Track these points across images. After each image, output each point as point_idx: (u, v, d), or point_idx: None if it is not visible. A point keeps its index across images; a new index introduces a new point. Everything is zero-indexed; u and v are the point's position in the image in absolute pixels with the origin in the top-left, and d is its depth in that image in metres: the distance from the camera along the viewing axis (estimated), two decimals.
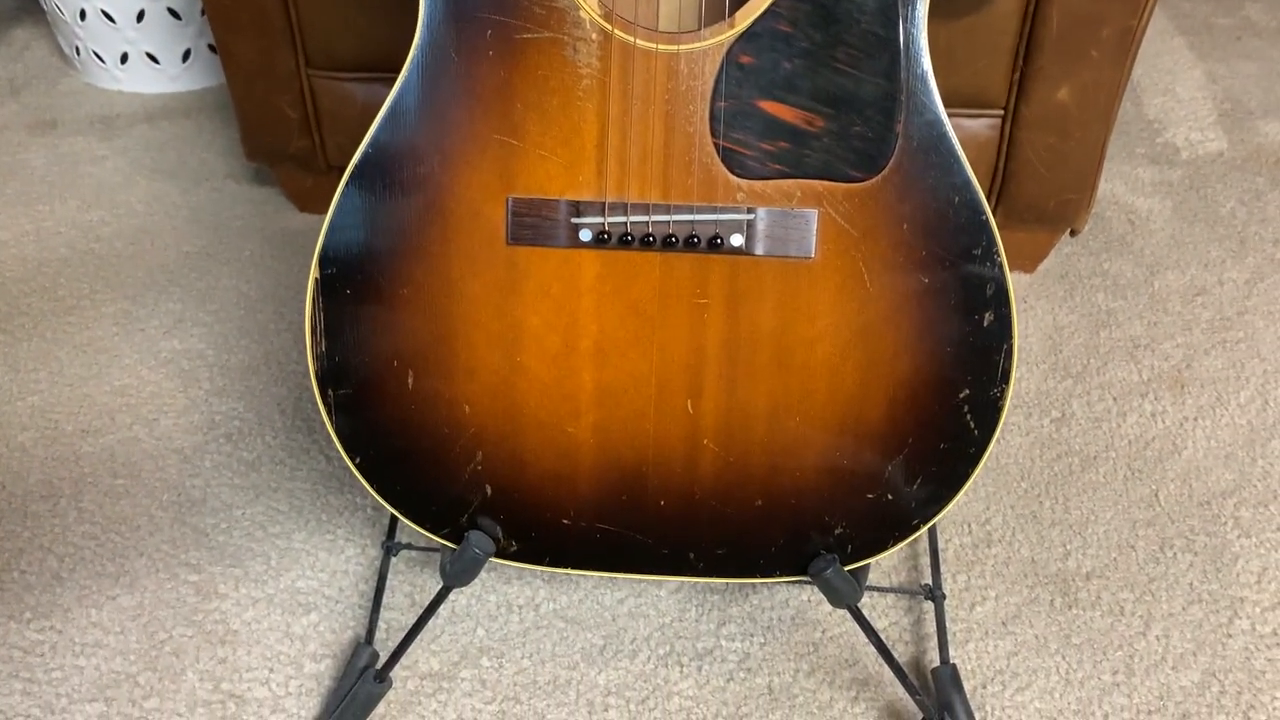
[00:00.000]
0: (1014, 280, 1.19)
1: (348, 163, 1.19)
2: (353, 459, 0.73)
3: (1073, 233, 1.16)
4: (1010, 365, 0.69)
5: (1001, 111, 1.06)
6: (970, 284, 0.67)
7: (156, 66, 1.47)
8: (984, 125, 1.07)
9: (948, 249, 0.67)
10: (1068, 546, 0.91)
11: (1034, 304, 1.16)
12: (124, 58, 1.46)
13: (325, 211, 1.28)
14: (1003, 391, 0.69)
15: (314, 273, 0.69)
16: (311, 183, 1.25)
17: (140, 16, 1.41)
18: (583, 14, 0.64)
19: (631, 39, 0.64)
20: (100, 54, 1.46)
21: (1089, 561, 0.90)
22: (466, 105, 0.66)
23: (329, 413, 0.72)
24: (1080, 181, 1.09)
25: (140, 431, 1.01)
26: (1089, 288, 1.18)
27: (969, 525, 0.93)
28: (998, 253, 0.67)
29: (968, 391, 0.69)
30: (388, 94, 1.13)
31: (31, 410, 1.03)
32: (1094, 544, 0.91)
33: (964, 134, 1.07)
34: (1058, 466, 0.98)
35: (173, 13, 1.42)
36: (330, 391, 0.71)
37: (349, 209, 0.68)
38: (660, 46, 0.64)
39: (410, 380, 0.71)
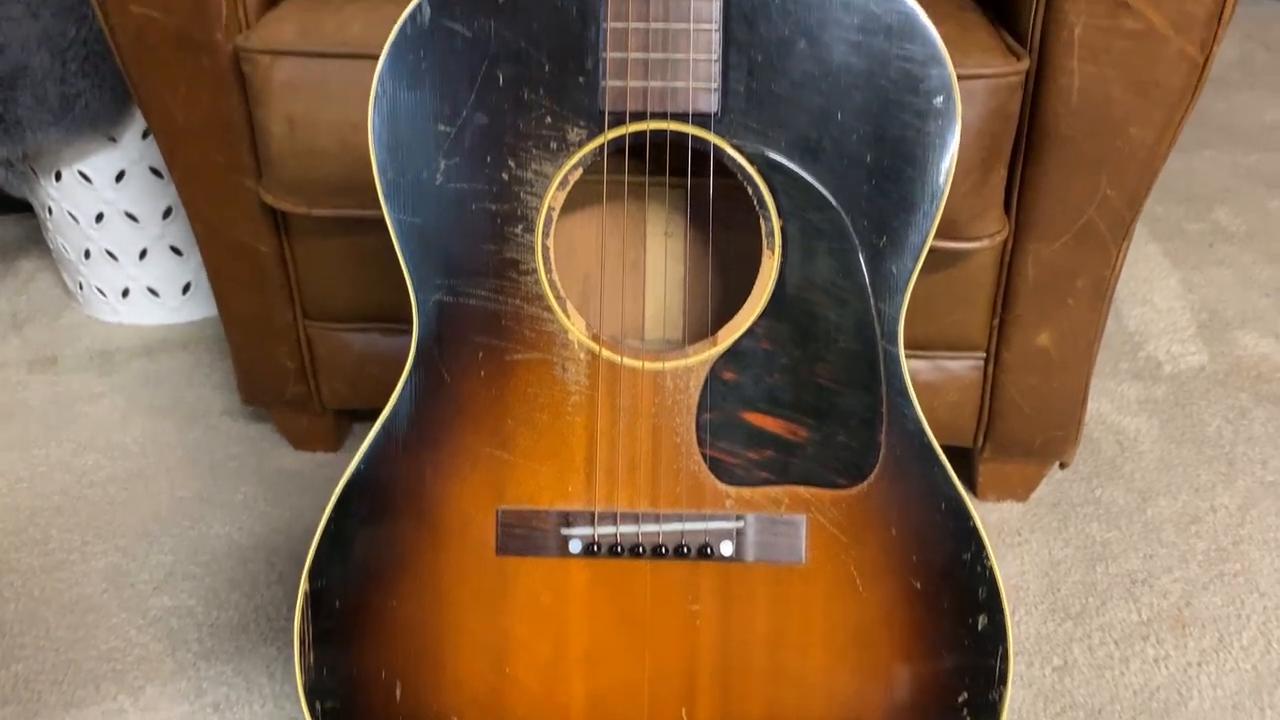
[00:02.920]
0: (1007, 511, 1.19)
1: (343, 405, 1.22)
2: None
3: (1062, 465, 1.17)
4: (1007, 668, 0.68)
5: (983, 354, 1.08)
6: (962, 588, 0.67)
7: (156, 299, 1.50)
8: (967, 366, 1.09)
9: (937, 553, 0.67)
10: None
11: (1029, 537, 1.16)
12: (125, 292, 1.49)
13: (320, 449, 1.30)
14: (1001, 694, 0.68)
15: (303, 586, 0.69)
16: (307, 423, 1.27)
17: (143, 254, 1.46)
18: (571, 336, 0.65)
19: (618, 358, 0.66)
20: (102, 289, 1.49)
21: None
22: (458, 421, 0.67)
23: None
24: (1065, 419, 1.10)
25: (125, 702, 0.98)
26: (1082, 517, 1.18)
27: None
28: (987, 557, 0.67)
29: (966, 695, 0.68)
30: (383, 342, 1.16)
31: (15, 680, 1.01)
32: None
33: (947, 375, 1.09)
34: None
35: (174, 250, 1.47)
36: (318, 704, 0.70)
37: (340, 522, 0.68)
38: (646, 364, 0.66)
39: (398, 692, 0.70)
